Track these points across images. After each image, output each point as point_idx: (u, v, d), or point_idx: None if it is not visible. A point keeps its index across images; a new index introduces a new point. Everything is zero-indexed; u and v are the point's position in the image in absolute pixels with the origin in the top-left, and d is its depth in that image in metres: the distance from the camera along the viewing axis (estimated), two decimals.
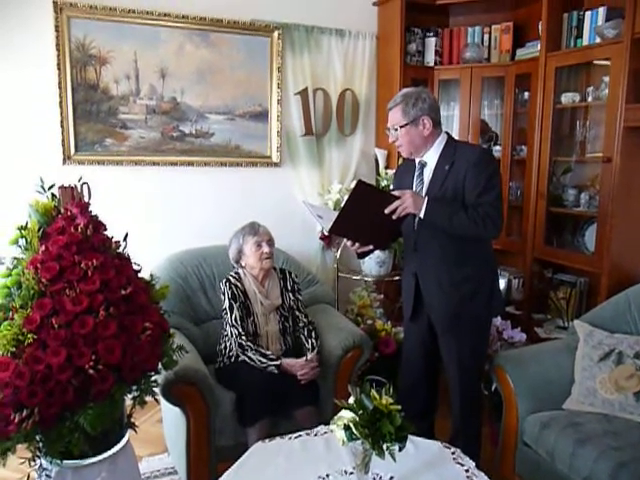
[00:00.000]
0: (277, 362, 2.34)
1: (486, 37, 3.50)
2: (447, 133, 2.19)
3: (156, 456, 2.62)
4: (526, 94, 3.32)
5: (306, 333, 2.53)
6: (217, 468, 2.11)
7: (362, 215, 2.00)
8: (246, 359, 2.37)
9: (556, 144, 3.11)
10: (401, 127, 2.09)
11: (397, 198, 1.98)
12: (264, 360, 2.35)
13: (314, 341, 2.50)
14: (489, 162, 2.09)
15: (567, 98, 3.03)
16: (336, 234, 2.30)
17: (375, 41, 3.54)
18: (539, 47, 3.10)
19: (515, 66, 3.33)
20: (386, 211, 1.97)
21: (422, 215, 1.99)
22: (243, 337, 2.39)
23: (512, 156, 3.41)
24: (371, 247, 2.22)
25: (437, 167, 2.12)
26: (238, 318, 2.42)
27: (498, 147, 3.52)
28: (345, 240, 2.21)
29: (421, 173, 2.19)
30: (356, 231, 2.09)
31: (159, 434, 2.71)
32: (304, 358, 2.40)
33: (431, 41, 3.55)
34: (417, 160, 2.21)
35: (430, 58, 3.57)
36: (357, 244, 2.16)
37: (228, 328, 2.44)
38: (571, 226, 3.18)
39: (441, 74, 3.54)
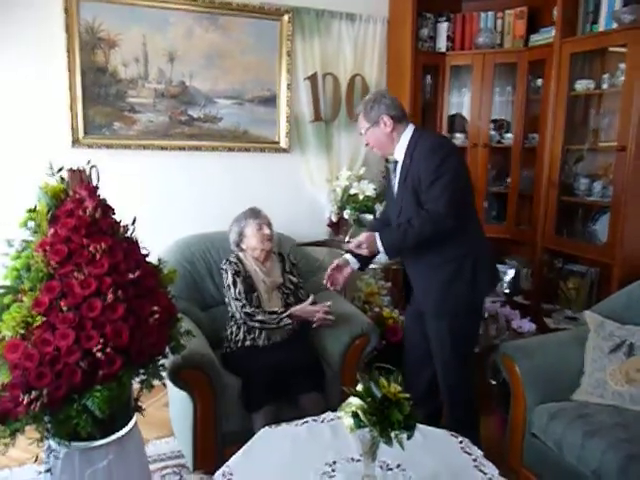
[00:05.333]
0: (287, 312, 2.43)
1: (499, 22, 3.45)
2: (415, 126, 2.23)
3: (162, 439, 2.64)
4: (539, 81, 3.27)
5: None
6: (224, 452, 2.11)
7: None
8: (256, 325, 2.42)
9: (569, 132, 3.06)
10: (366, 130, 2.22)
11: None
12: (274, 316, 2.43)
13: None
14: (439, 150, 2.10)
15: (581, 85, 2.98)
16: None
17: (386, 26, 3.49)
18: (553, 33, 3.05)
19: (528, 52, 3.28)
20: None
21: (382, 250, 2.14)
22: (247, 307, 2.43)
23: (523, 144, 3.37)
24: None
25: (403, 163, 2.19)
26: (242, 291, 2.47)
27: (509, 135, 3.48)
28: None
29: (395, 169, 2.27)
30: None
31: (165, 418, 2.72)
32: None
33: (443, 26, 3.50)
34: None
35: (442, 44, 3.52)
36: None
37: (232, 303, 2.47)
38: (582, 215, 3.14)
39: (453, 60, 3.49)
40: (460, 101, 3.67)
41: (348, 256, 2.41)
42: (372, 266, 3.30)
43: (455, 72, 3.55)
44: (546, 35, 3.15)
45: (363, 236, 2.18)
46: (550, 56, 3.05)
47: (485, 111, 3.44)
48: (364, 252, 2.18)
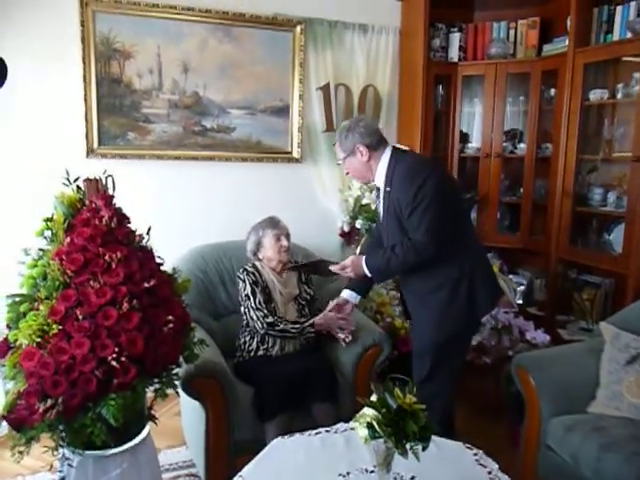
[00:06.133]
0: (310, 321, 2.43)
1: (512, 32, 3.45)
2: (393, 148, 2.19)
3: (174, 449, 2.64)
4: (552, 91, 3.26)
5: None
6: (235, 462, 2.10)
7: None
8: (278, 334, 2.42)
9: (582, 142, 3.05)
10: (343, 160, 2.20)
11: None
12: (297, 326, 2.43)
13: None
14: (415, 176, 2.04)
15: (595, 95, 2.96)
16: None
17: (398, 36, 3.51)
18: (567, 43, 3.04)
19: (542, 62, 3.27)
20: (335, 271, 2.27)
21: (368, 274, 2.16)
22: (269, 317, 2.42)
23: (536, 154, 3.36)
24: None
25: (384, 190, 2.16)
26: (262, 301, 2.45)
27: (522, 145, 3.47)
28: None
29: (378, 196, 2.27)
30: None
31: (177, 427, 2.72)
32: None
33: (455, 36, 3.51)
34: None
35: (454, 54, 3.53)
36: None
37: (253, 313, 2.44)
38: (597, 226, 3.12)
39: (465, 70, 3.50)
40: (472, 111, 3.67)
41: (346, 293, 2.43)
42: None
43: (467, 82, 3.55)
44: (559, 45, 3.14)
45: (349, 260, 2.21)
46: (563, 66, 3.04)
47: (498, 121, 3.44)
48: (350, 275, 2.23)
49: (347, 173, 2.27)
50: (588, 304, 3.03)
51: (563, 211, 3.11)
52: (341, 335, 2.45)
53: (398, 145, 2.30)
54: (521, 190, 3.48)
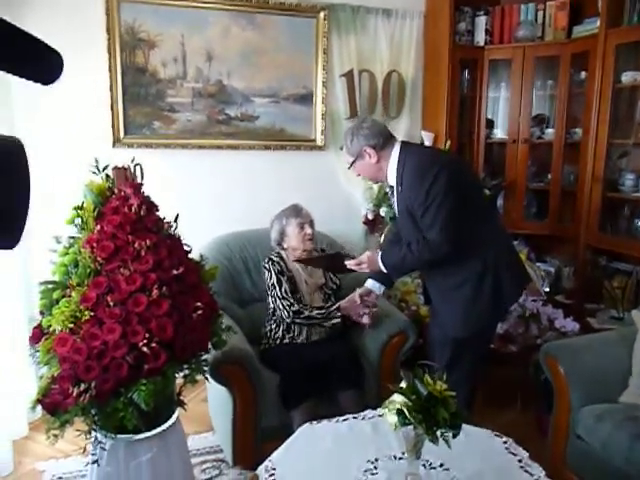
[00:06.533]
0: (335, 305, 2.43)
1: (540, 14, 3.36)
2: (402, 143, 2.13)
3: (201, 434, 2.67)
4: (582, 74, 3.18)
5: None
6: (262, 448, 2.12)
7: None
8: (304, 322, 2.42)
9: (613, 126, 2.97)
10: (352, 164, 2.17)
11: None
12: (323, 311, 2.43)
13: None
14: (424, 174, 1.97)
15: (627, 77, 2.88)
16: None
17: (422, 20, 3.45)
18: (598, 24, 2.95)
19: (571, 44, 3.19)
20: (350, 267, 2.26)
21: (384, 270, 2.16)
22: (295, 305, 2.42)
23: (565, 139, 3.28)
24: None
25: (396, 189, 2.11)
26: (288, 290, 2.45)
27: (550, 130, 3.39)
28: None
29: (392, 194, 2.21)
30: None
31: (204, 413, 2.75)
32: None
33: (481, 20, 3.44)
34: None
35: (480, 37, 3.46)
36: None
37: (278, 302, 2.44)
38: (628, 212, 3.05)
39: (491, 54, 3.43)
40: (497, 96, 3.60)
41: (369, 283, 2.40)
42: None
43: (493, 66, 3.48)
44: (590, 26, 3.06)
45: (365, 256, 2.22)
46: (594, 48, 2.96)
47: (525, 106, 3.36)
48: (365, 271, 2.25)
49: (359, 175, 2.24)
50: (619, 292, 2.96)
51: (593, 197, 3.04)
52: (361, 319, 2.44)
53: (406, 140, 2.27)
54: (549, 176, 3.41)
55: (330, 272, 2.56)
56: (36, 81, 0.74)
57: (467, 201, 2.02)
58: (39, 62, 0.72)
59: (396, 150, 2.09)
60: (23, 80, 0.79)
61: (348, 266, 2.25)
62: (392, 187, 2.16)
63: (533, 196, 3.55)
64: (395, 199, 2.16)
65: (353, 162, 2.15)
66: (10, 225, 0.63)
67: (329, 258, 2.46)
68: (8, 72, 0.70)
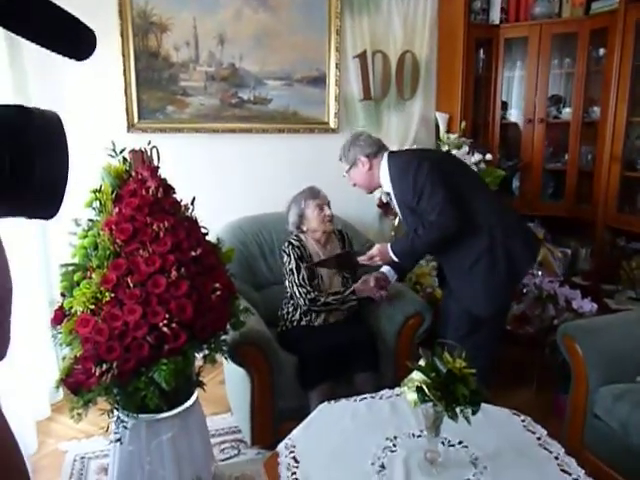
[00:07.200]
0: (350, 289, 2.46)
1: None
2: (389, 152, 2.33)
3: (220, 415, 2.71)
4: (601, 51, 3.12)
5: None
6: (280, 428, 2.15)
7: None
8: (323, 309, 2.44)
9: (632, 104, 2.91)
10: (348, 171, 2.39)
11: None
12: (339, 296, 2.45)
13: None
14: (407, 169, 2.18)
15: None
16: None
17: None
18: None
19: (590, 21, 3.12)
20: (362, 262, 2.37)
21: (396, 259, 2.26)
22: (311, 293, 2.43)
23: (583, 119, 3.23)
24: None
25: (392, 192, 2.28)
26: (305, 277, 2.45)
27: (567, 109, 3.34)
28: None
29: (391, 199, 2.37)
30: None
31: (221, 394, 2.78)
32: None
33: None
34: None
35: (495, 16, 3.39)
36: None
37: (296, 289, 2.45)
38: None
39: (507, 32, 3.37)
40: (512, 75, 3.54)
41: (385, 269, 2.47)
42: None
43: (509, 45, 3.42)
44: (609, 1, 2.98)
45: (376, 249, 2.32)
46: (614, 24, 2.89)
47: (542, 85, 3.31)
48: (379, 263, 2.36)
49: (354, 185, 2.41)
50: (637, 273, 2.93)
51: (611, 177, 3.00)
52: (375, 295, 2.47)
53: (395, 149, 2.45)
54: (566, 156, 3.37)
55: (343, 271, 2.56)
56: (70, 57, 0.77)
57: (454, 181, 2.16)
58: (75, 39, 0.75)
59: (385, 158, 2.30)
60: (39, 69, 0.82)
61: (360, 261, 2.36)
62: (389, 193, 2.33)
63: (550, 177, 3.50)
64: (395, 202, 2.31)
65: (349, 169, 2.37)
66: (55, 197, 0.69)
67: (340, 257, 2.50)
68: (44, 47, 0.73)
